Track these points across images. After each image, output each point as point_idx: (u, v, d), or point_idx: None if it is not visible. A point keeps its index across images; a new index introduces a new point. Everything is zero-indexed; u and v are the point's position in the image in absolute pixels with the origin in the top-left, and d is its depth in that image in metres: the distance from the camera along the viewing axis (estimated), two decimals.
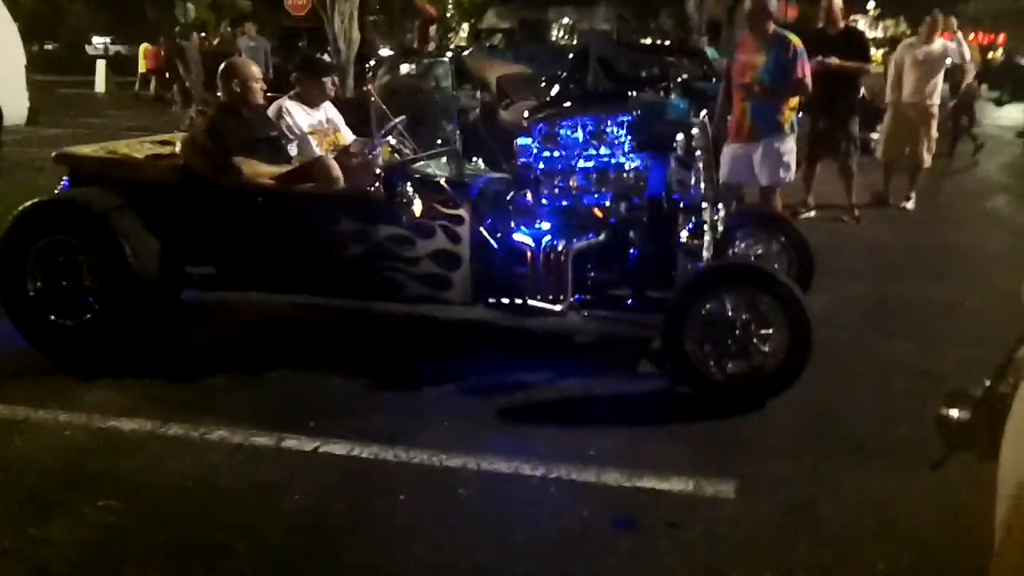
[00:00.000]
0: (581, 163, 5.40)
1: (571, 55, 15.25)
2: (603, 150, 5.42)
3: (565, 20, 24.67)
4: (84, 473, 4.02)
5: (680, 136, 5.65)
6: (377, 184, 5.22)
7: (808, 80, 7.49)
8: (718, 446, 4.38)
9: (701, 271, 5.02)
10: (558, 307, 5.13)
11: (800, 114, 7.90)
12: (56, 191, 5.73)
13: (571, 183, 5.37)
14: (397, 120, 5.56)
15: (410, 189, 5.18)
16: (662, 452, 4.28)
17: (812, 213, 9.63)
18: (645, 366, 5.36)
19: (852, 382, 5.20)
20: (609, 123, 5.46)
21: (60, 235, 5.26)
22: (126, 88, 22.87)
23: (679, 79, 14.62)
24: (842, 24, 9.33)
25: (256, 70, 5.79)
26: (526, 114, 5.65)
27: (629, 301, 5.35)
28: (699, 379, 4.80)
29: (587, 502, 3.82)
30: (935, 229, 9.56)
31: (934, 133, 10.58)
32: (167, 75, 21.34)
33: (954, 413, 2.07)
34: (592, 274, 5.32)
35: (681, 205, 5.25)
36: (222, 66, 5.76)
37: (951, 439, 2.07)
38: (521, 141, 5.57)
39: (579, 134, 5.46)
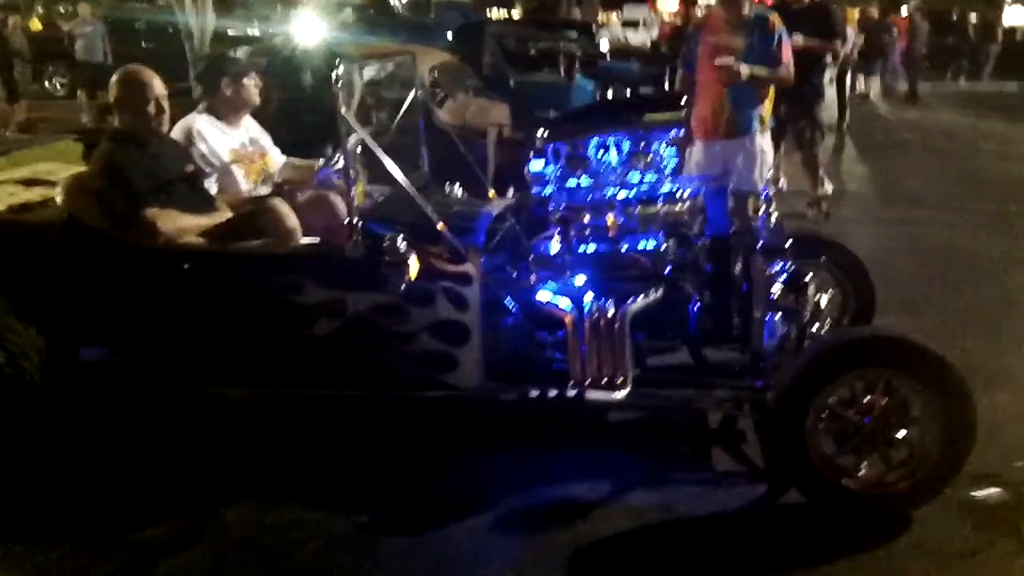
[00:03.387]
0: (619, 193, 4.06)
1: (457, 31, 13.76)
2: (648, 176, 4.09)
3: None
4: None
5: None
6: (355, 236, 3.78)
7: (792, 69, 6.04)
8: None
9: (832, 343, 3.71)
10: (618, 394, 3.78)
11: None
12: None
13: (609, 221, 4.03)
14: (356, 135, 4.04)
15: (401, 242, 3.75)
16: None
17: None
18: (722, 460, 4.07)
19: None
20: (654, 140, 4.13)
21: None
22: None
23: (575, 57, 13.34)
24: None
25: (160, 83, 4.14)
26: (541, 132, 4.26)
27: (692, 375, 4.07)
28: (827, 489, 3.55)
29: None
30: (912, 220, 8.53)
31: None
32: None
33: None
34: (647, 343, 4.01)
35: (760, 245, 3.97)
36: (117, 78, 4.09)
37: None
38: (535, 167, 4.20)
39: (613, 155, 4.12)
